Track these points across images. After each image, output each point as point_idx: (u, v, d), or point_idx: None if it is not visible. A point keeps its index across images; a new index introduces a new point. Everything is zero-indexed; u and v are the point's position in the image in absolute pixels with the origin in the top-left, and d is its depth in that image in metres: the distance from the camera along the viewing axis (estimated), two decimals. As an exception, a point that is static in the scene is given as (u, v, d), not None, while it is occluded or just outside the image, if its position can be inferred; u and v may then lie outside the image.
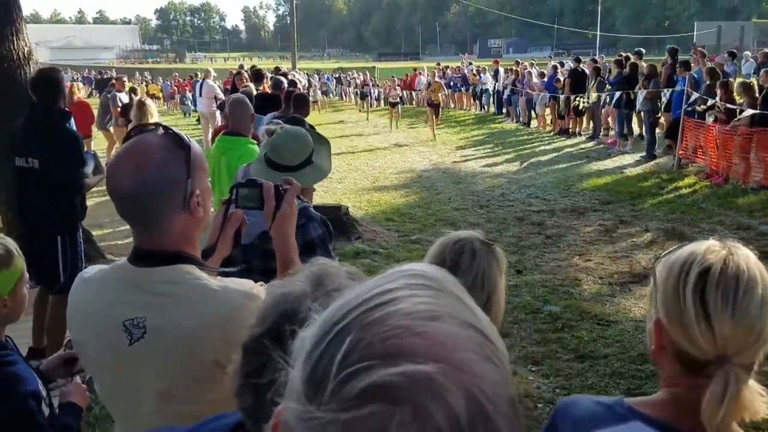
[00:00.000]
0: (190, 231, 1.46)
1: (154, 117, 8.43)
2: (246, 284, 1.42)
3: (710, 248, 1.11)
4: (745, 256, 1.10)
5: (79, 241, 4.59)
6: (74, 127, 8.84)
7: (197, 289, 1.38)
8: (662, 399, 1.17)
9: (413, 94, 27.85)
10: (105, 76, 26.97)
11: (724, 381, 1.02)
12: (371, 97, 30.66)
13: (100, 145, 12.88)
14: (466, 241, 1.78)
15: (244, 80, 10.81)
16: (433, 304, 0.50)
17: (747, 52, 13.71)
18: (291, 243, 1.71)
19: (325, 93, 32.11)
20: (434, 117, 17.89)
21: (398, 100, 21.50)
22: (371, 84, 31.83)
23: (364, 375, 0.45)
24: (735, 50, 16.47)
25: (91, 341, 1.43)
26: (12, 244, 2.12)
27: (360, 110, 25.69)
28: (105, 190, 6.01)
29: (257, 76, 9.12)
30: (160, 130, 1.43)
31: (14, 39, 5.85)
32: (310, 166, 2.66)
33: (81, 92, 12.87)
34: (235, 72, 13.38)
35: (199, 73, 22.20)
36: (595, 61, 16.81)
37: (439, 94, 18.91)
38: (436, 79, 21.31)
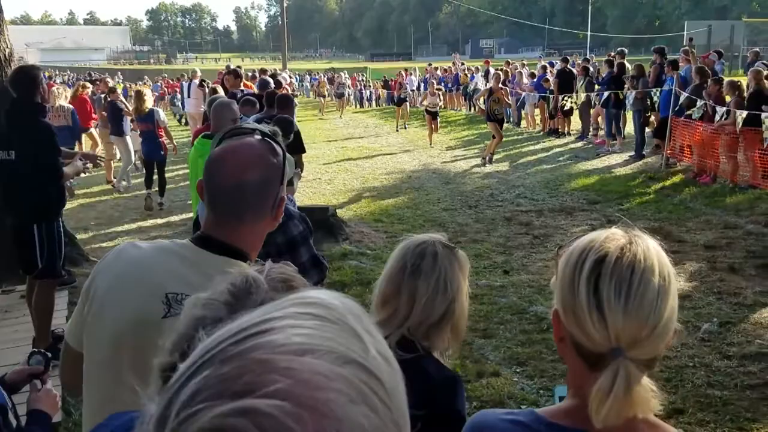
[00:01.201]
0: (265, 234, 1.53)
1: (149, 104, 9.82)
2: None
3: (610, 237, 1.06)
4: (645, 246, 1.05)
5: (57, 230, 4.76)
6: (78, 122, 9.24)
7: None
8: (575, 404, 1.10)
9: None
10: (93, 78, 26.88)
11: (613, 374, 0.97)
12: (367, 99, 29.63)
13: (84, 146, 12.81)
14: (428, 244, 1.76)
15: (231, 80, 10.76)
16: (313, 336, 0.46)
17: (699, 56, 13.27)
18: None
19: (340, 96, 27.04)
20: (498, 136, 12.73)
21: (436, 108, 16.60)
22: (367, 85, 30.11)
23: (203, 416, 0.41)
24: (722, 50, 16.46)
25: (121, 297, 1.41)
26: None
27: (398, 121, 20.64)
28: (91, 194, 6.03)
29: (236, 74, 9.14)
30: (258, 135, 1.50)
31: (-5, 41, 5.82)
32: None
33: (87, 90, 13.25)
34: (224, 72, 13.34)
35: (185, 75, 22.10)
36: (587, 60, 16.83)
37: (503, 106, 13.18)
38: (500, 85, 13.45)
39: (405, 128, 20.27)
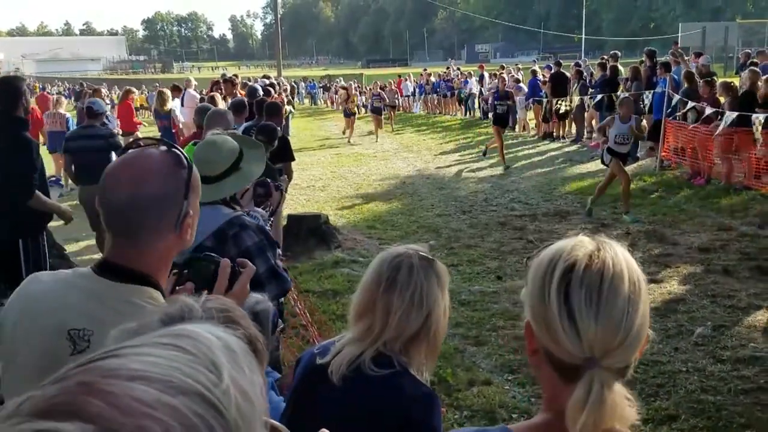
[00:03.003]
0: (171, 253, 1.43)
1: (169, 105, 10.98)
2: None
3: (577, 244, 1.05)
4: (613, 252, 1.03)
5: (42, 244, 4.67)
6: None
7: None
8: (548, 419, 1.08)
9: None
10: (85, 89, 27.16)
11: (587, 385, 0.95)
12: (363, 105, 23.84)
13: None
14: (404, 256, 1.74)
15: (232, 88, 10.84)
16: (155, 364, 0.45)
17: (687, 58, 12.98)
18: None
19: (376, 111, 19.54)
20: None
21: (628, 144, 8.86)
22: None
23: (3, 430, 0.41)
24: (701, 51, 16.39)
25: (26, 338, 1.35)
26: None
27: (502, 152, 13.16)
28: (80, 204, 5.75)
29: (232, 83, 9.15)
30: (163, 147, 1.41)
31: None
32: (234, 174, 2.59)
33: (133, 95, 14.04)
34: (214, 82, 13.35)
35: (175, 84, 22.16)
36: (578, 65, 16.82)
37: None
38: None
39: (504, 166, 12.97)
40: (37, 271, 4.53)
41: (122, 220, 1.35)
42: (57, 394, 0.43)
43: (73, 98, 26.97)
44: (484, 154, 14.03)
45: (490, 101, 13.16)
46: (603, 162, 8.98)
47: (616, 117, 8.57)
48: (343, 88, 23.02)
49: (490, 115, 13.54)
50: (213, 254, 1.58)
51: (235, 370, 0.49)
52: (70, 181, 8.19)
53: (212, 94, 10.79)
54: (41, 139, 11.02)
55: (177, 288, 1.45)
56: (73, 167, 7.11)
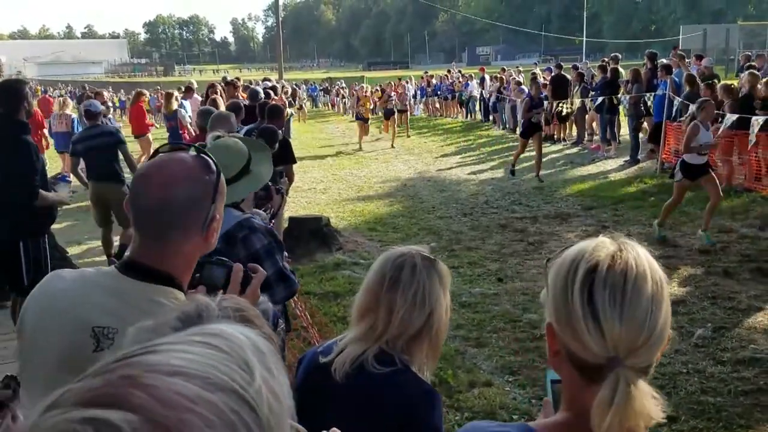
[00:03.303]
0: (196, 256, 1.46)
1: (174, 105, 11.16)
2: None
3: (599, 245, 1.05)
4: (635, 252, 1.04)
5: (43, 246, 4.68)
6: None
7: None
8: (568, 418, 1.08)
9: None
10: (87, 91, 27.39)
11: (613, 384, 0.96)
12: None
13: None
14: (407, 256, 1.77)
15: (230, 91, 10.87)
16: (193, 361, 0.47)
17: (688, 60, 12.83)
18: None
19: (389, 114, 18.77)
20: None
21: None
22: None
23: (53, 420, 0.42)
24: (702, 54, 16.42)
25: (48, 335, 1.37)
26: None
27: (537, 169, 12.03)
28: (85, 208, 5.86)
29: (234, 85, 9.16)
30: (192, 151, 1.44)
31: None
32: (245, 177, 2.61)
33: (145, 98, 14.44)
34: (225, 83, 13.42)
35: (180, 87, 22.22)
36: (576, 67, 16.83)
37: None
38: None
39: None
40: (37, 272, 4.55)
41: (151, 221, 1.38)
42: (100, 385, 0.45)
43: (75, 101, 27.21)
44: (541, 180, 11.60)
45: (517, 109, 12.11)
46: (673, 178, 7.75)
47: (699, 124, 7.03)
48: (360, 97, 20.14)
49: (520, 125, 12.02)
50: (224, 258, 1.60)
51: (265, 370, 0.51)
52: (73, 182, 8.18)
53: (214, 97, 10.86)
54: (43, 142, 11.03)
55: (189, 291, 1.47)
56: (83, 168, 7.19)
